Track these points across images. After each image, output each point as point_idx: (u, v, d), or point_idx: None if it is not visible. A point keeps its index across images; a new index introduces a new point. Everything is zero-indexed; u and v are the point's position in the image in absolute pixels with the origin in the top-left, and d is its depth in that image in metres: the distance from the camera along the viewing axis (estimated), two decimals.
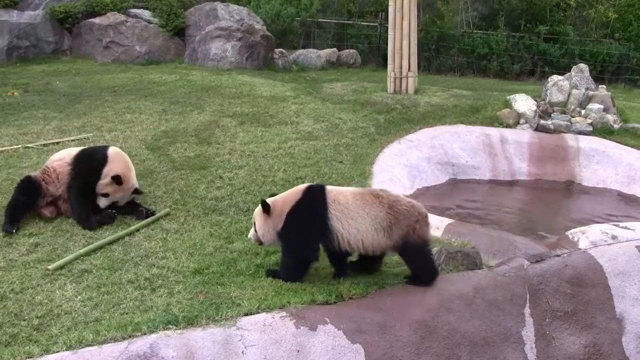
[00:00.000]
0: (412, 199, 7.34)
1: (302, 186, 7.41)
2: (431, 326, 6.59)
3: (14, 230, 8.12)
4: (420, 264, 7.15)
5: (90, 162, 8.54)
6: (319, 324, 6.25)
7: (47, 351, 5.70)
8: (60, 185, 8.55)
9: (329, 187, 7.31)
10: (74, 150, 8.87)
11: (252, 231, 7.43)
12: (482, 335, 6.78)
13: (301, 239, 7.17)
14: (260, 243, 7.46)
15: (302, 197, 7.26)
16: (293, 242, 7.20)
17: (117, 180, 8.36)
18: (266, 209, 7.22)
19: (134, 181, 8.69)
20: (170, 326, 6.04)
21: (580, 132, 12.62)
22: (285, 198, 7.31)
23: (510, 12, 22.65)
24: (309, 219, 7.16)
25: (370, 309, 6.54)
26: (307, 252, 7.19)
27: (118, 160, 8.59)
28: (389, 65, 14.93)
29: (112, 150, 8.70)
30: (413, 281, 7.09)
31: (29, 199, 8.47)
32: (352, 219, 7.06)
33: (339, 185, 9.67)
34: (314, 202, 7.20)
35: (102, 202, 8.47)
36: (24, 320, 6.41)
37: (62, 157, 8.73)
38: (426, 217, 7.15)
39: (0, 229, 8.15)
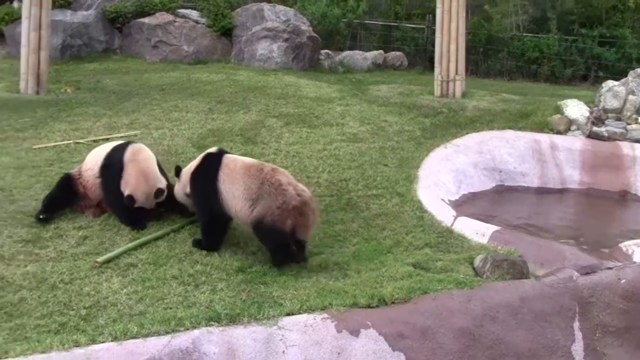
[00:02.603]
0: (301, 189, 7.65)
1: (206, 151, 8.31)
2: (475, 335, 6.52)
3: (42, 217, 8.33)
4: (269, 246, 7.65)
5: (111, 178, 8.47)
6: (361, 328, 6.25)
7: (93, 341, 5.81)
8: (96, 195, 8.64)
9: (227, 154, 8.10)
10: (100, 158, 8.75)
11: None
12: (528, 347, 6.68)
13: (202, 198, 7.98)
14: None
15: (201, 160, 8.16)
16: (197, 203, 8.12)
17: (129, 201, 8.28)
18: (176, 173, 8.33)
19: (149, 187, 8.40)
20: (212, 323, 6.11)
21: (637, 140, 12.22)
22: (192, 163, 8.31)
23: (564, 14, 22.20)
24: (204, 179, 7.94)
25: (413, 314, 6.51)
26: (211, 212, 7.86)
27: (132, 170, 8.39)
28: (436, 69, 14.84)
29: (128, 157, 8.47)
30: (272, 262, 7.62)
31: (65, 196, 8.64)
32: (232, 184, 7.66)
33: (383, 189, 9.73)
34: (209, 164, 8.01)
35: (145, 206, 8.48)
36: (72, 310, 6.56)
37: (91, 168, 8.73)
38: (294, 209, 7.43)
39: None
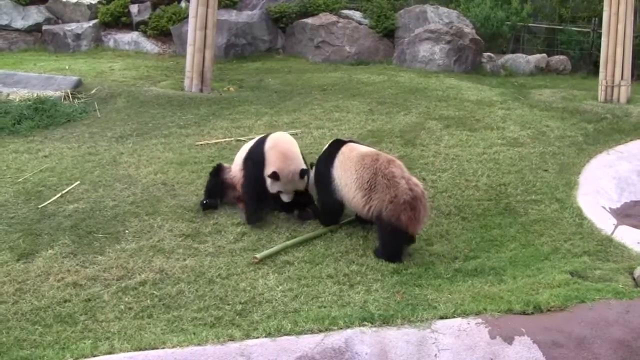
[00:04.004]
0: (414, 183, 7.77)
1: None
2: (633, 347, 6.28)
3: (205, 202, 8.79)
4: (381, 241, 7.78)
5: (253, 167, 8.70)
6: (515, 334, 6.16)
7: (247, 336, 5.99)
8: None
9: (350, 142, 8.39)
10: (244, 152, 9.06)
11: None
12: None
13: (320, 183, 8.30)
14: None
15: (326, 147, 8.53)
16: (315, 186, 8.42)
17: (274, 177, 8.39)
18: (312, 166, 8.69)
19: (294, 166, 8.48)
20: (365, 323, 6.18)
21: None
22: None
23: None
24: (321, 164, 8.34)
25: (569, 323, 6.35)
26: (327, 196, 8.22)
27: (274, 154, 8.54)
28: (600, 73, 14.44)
29: (269, 145, 8.66)
30: (376, 252, 7.74)
31: (219, 182, 9.05)
32: (344, 171, 7.92)
33: (542, 194, 9.59)
34: (329, 150, 8.36)
35: (284, 198, 8.59)
36: (228, 304, 6.79)
37: (238, 163, 9.05)
38: (404, 203, 7.55)
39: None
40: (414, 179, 7.91)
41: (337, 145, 8.41)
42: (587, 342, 6.21)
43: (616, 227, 8.73)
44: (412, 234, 7.88)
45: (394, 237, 7.70)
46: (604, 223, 8.86)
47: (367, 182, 7.73)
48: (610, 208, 9.61)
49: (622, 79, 14.17)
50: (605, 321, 6.40)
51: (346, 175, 7.94)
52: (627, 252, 8.14)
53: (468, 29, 18.51)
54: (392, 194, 7.58)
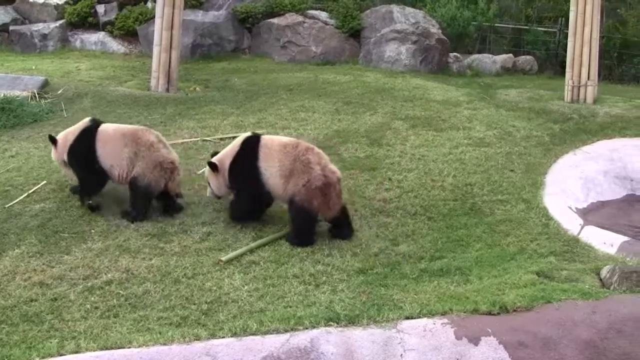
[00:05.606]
0: (330, 170, 8.01)
1: (241, 136, 8.50)
2: (600, 347, 6.27)
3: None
4: (294, 225, 7.95)
5: None
6: (481, 335, 6.15)
7: (213, 335, 5.99)
8: None
9: (264, 136, 8.37)
10: None
11: (209, 190, 8.51)
12: None
13: (244, 184, 8.17)
14: (218, 198, 8.63)
15: (241, 144, 8.34)
16: (239, 189, 8.27)
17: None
18: (214, 167, 8.32)
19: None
20: (331, 323, 6.17)
21: None
22: (227, 152, 8.37)
23: None
24: (245, 164, 8.09)
25: (535, 323, 6.35)
26: (252, 198, 8.20)
27: None
28: (567, 73, 14.49)
29: None
30: (288, 237, 7.87)
31: None
32: (269, 161, 7.97)
33: (508, 194, 9.60)
34: (248, 145, 8.25)
35: None
36: (194, 304, 6.79)
37: None
38: (316, 189, 7.79)
39: None
40: (331, 167, 8.12)
41: (253, 139, 8.37)
42: (553, 342, 6.21)
43: (582, 227, 8.75)
44: (328, 218, 8.15)
45: (306, 222, 7.91)
46: (571, 223, 8.89)
47: (288, 169, 7.89)
48: (576, 208, 9.64)
49: (588, 79, 14.23)
50: (572, 321, 6.40)
51: (271, 165, 8.02)
52: (594, 252, 8.17)
53: (434, 29, 18.54)
54: (305, 179, 7.80)
